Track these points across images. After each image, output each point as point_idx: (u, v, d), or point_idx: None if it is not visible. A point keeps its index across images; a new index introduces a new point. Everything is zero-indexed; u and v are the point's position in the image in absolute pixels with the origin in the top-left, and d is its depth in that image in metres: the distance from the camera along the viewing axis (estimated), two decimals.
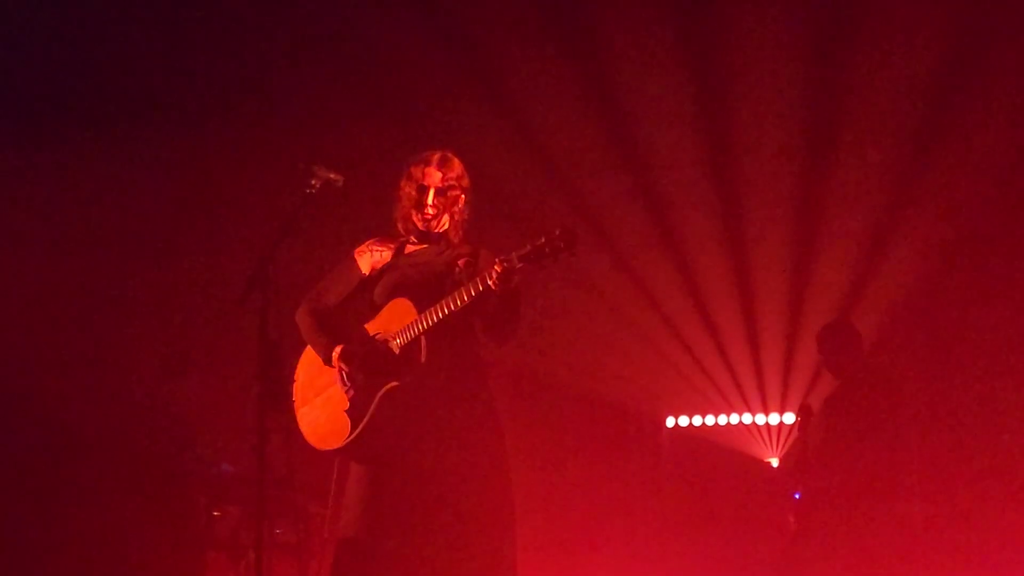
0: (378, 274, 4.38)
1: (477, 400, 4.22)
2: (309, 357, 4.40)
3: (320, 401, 4.33)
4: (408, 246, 4.41)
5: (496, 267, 3.88)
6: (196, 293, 6.97)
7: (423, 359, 4.09)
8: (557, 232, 3.82)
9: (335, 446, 4.22)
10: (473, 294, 3.97)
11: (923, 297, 7.70)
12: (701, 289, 8.25)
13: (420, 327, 4.10)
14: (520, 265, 3.87)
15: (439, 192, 4.31)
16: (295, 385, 4.42)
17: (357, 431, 4.12)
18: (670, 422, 8.71)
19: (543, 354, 8.35)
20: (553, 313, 8.36)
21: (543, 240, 3.84)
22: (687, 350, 8.45)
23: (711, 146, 7.52)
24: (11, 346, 6.70)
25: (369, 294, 4.36)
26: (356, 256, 4.43)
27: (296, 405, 4.38)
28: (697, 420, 8.65)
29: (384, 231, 4.47)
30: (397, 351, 4.14)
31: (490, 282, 3.90)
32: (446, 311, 4.03)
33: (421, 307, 4.12)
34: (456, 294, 4.02)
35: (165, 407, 6.58)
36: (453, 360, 4.17)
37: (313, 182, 4.21)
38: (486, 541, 4.09)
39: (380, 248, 4.43)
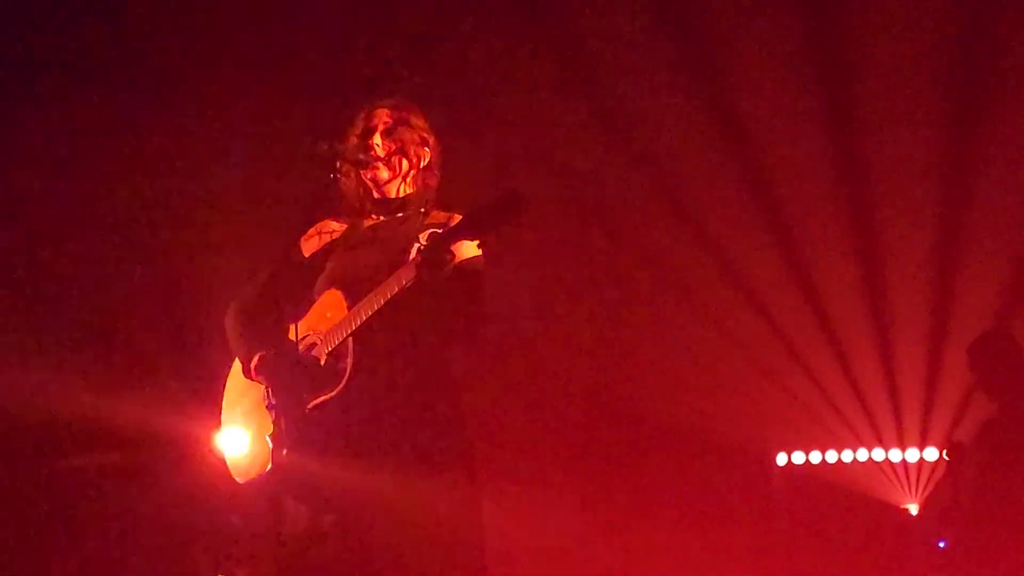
0: (323, 256, 3.81)
1: (434, 417, 3.54)
2: (238, 368, 3.80)
3: (244, 422, 3.72)
4: (366, 221, 3.85)
5: (416, 250, 3.34)
6: (214, 293, 6.74)
7: (350, 367, 3.46)
8: (501, 196, 3.18)
9: (252, 476, 3.60)
10: (404, 283, 3.36)
11: None
12: (822, 303, 7.84)
13: (348, 327, 3.49)
14: (451, 243, 3.27)
15: (387, 132, 3.74)
16: (223, 403, 3.87)
17: (277, 460, 3.43)
18: (781, 459, 8.46)
19: (639, 384, 8.09)
20: (649, 339, 8.09)
21: (479, 208, 3.21)
22: (802, 374, 8.11)
23: (840, 151, 7.16)
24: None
25: (311, 284, 3.79)
26: (302, 242, 3.88)
27: (221, 427, 3.87)
28: (815, 457, 8.38)
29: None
30: (323, 357, 3.53)
31: (415, 268, 3.33)
32: (374, 307, 3.44)
33: (354, 300, 3.52)
34: (384, 285, 3.42)
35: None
36: (400, 366, 3.53)
37: (338, 164, 3.67)
38: None
39: (332, 229, 3.89)
